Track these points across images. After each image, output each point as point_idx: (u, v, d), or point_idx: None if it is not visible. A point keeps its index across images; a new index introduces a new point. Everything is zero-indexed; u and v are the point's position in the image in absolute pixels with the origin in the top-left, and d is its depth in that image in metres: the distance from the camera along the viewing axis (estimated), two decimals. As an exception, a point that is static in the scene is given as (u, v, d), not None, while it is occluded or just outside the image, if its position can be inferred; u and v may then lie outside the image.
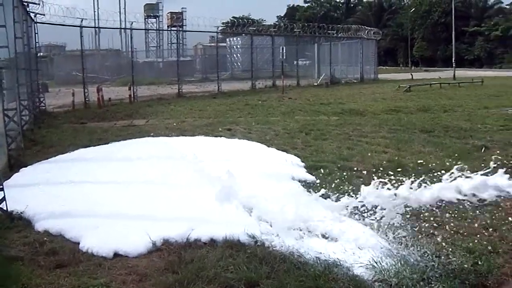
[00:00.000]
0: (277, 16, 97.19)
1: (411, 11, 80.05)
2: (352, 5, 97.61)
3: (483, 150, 8.88)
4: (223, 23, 41.32)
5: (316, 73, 32.40)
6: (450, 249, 4.44)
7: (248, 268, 4.10)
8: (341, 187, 6.18)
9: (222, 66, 30.33)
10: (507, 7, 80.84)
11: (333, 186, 6.17)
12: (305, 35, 32.94)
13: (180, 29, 43.13)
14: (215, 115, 15.01)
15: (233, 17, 55.66)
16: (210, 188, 6.09)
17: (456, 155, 8.30)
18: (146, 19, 49.09)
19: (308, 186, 6.58)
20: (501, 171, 5.35)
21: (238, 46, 33.30)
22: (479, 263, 4.18)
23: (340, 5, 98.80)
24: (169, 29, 47.04)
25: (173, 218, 5.32)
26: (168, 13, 49.28)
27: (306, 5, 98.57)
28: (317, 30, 32.77)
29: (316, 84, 30.10)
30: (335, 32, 33.86)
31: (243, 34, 30.96)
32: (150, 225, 5.04)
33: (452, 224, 5.03)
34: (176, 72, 24.77)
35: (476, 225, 5.06)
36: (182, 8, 48.89)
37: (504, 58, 72.91)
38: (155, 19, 53.29)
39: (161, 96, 22.55)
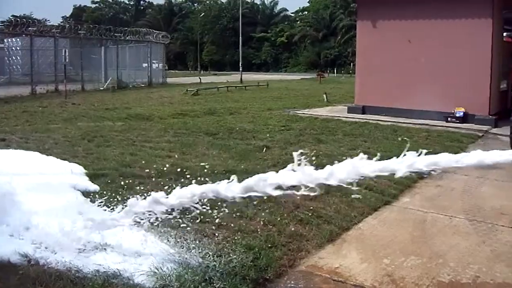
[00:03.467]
0: (63, 17, 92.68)
1: (201, 15, 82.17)
2: (141, 7, 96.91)
3: (264, 150, 9.35)
4: (1, 22, 38.05)
5: (103, 77, 31.37)
6: (231, 248, 4.56)
7: None
8: (123, 194, 6.08)
9: (-1, 69, 28.01)
10: (292, 15, 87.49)
11: (115, 194, 6.02)
12: (91, 38, 31.69)
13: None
14: (-12, 124, 13.60)
15: (13, 15, 51.65)
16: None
17: (239, 156, 8.74)
18: None
19: (90, 195, 6.35)
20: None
21: (18, 48, 30.80)
22: (259, 258, 4.36)
23: (130, 7, 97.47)
24: None
25: None
26: None
27: (94, 6, 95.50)
28: (104, 33, 31.85)
29: (102, 88, 29.08)
30: (122, 35, 33.21)
31: (23, 35, 28.77)
32: None
33: (233, 223, 5.16)
34: None
35: (255, 222, 5.28)
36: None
37: (289, 62, 78.62)
38: None
39: None
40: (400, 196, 6.73)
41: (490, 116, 14.28)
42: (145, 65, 35.77)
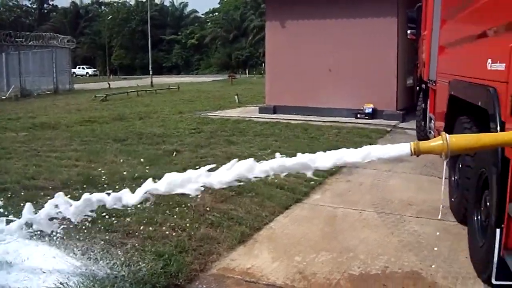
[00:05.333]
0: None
1: (109, 18, 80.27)
2: (45, 11, 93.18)
3: (174, 154, 9.21)
4: None
5: (5, 85, 29.79)
6: (140, 256, 4.43)
7: None
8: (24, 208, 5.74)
9: None
10: (203, 16, 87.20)
11: (17, 208, 5.67)
12: (-10, 43, 30.10)
13: None
14: None
15: None
16: None
17: (148, 161, 8.53)
18: None
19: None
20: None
21: None
22: (169, 264, 4.25)
23: (33, 10, 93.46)
24: None
25: None
26: None
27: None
28: (5, 38, 30.26)
29: (4, 97, 27.66)
30: (24, 40, 31.71)
31: None
32: None
33: (142, 230, 5.02)
34: None
35: (165, 227, 5.15)
36: None
37: (200, 64, 78.42)
38: None
39: None
40: (311, 193, 6.79)
41: (398, 111, 14.86)
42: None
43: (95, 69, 73.44)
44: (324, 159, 3.41)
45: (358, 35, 14.86)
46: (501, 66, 3.75)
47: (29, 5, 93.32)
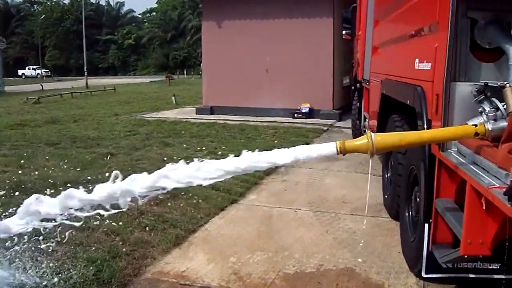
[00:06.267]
0: None
1: (41, 18, 77.70)
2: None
3: (108, 158, 9.00)
4: None
5: None
6: (72, 263, 4.30)
7: None
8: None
9: None
10: (140, 16, 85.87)
11: None
12: None
13: None
14: None
15: None
16: None
17: (82, 165, 8.30)
18: None
19: None
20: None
21: None
22: (102, 270, 4.15)
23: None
24: None
25: None
26: None
27: None
28: None
29: None
30: None
31: None
32: None
33: (74, 237, 4.81)
34: None
35: (98, 233, 5.01)
36: None
37: (137, 65, 77.25)
38: None
39: None
40: (247, 194, 6.78)
41: (334, 111, 15.11)
42: None
43: (46, 70, 69.10)
44: (254, 161, 3.37)
45: (295, 36, 15.01)
46: (427, 66, 3.85)
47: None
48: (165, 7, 79.41)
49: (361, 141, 3.13)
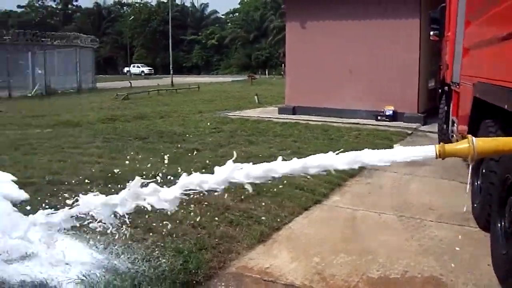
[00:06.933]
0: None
1: (131, 19, 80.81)
2: (69, 12, 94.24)
3: (194, 153, 9.25)
4: None
5: (31, 83, 30.38)
6: (160, 252, 4.47)
7: None
8: (53, 202, 5.85)
9: None
10: (223, 17, 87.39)
11: (43, 202, 5.79)
12: (17, 43, 30.65)
13: None
14: None
15: None
16: None
17: (169, 159, 8.56)
18: None
19: (19, 204, 6.08)
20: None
21: None
22: (189, 261, 4.28)
23: (57, 11, 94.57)
24: None
25: None
26: None
27: (20, 10, 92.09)
28: (31, 38, 30.84)
29: (30, 95, 28.26)
30: (49, 40, 32.24)
31: None
32: None
33: (162, 227, 5.01)
34: None
35: (185, 225, 5.18)
36: None
37: (220, 65, 78.51)
38: None
39: None
40: (330, 195, 6.76)
41: (419, 114, 14.71)
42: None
43: (150, 68, 72.51)
44: (347, 160, 3.38)
45: (380, 36, 14.73)
46: (528, 68, 3.68)
47: (54, 6, 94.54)
48: (248, 8, 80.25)
49: (462, 145, 3.04)
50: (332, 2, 15.62)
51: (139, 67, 71.35)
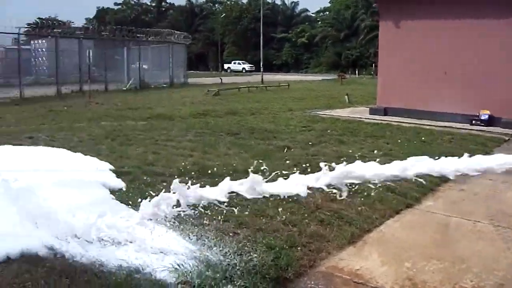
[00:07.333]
0: (86, 18, 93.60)
1: (222, 16, 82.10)
2: (163, 9, 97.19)
3: (285, 150, 9.33)
4: (28, 24, 38.69)
5: (126, 77, 31.73)
6: (252, 247, 4.58)
7: (47, 282, 3.82)
8: (147, 192, 6.13)
9: (26, 70, 28.27)
10: (313, 15, 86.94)
11: (139, 191, 6.11)
12: (114, 39, 32.10)
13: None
14: (16, 122, 13.79)
15: (39, 18, 52.39)
16: (7, 201, 5.60)
17: (260, 155, 8.72)
18: None
19: (116, 192, 6.44)
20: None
21: (44, 49, 31.39)
22: (279, 257, 4.36)
23: (152, 8, 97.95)
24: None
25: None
26: (-38, 11, 45.32)
27: (117, 7, 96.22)
28: (127, 34, 32.21)
29: (125, 88, 29.52)
30: (144, 36, 33.50)
31: (49, 37, 29.29)
32: None
33: (254, 222, 5.18)
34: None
35: (276, 221, 5.28)
36: (-20, 6, 45.21)
37: (309, 63, 78.11)
38: None
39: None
40: (422, 199, 6.65)
41: (518, 120, 14.01)
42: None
43: (251, 65, 72.40)
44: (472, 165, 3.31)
45: (477, 37, 14.15)
46: None
47: (148, 3, 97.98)
48: (338, 6, 79.24)
49: None
50: (428, 1, 15.19)
51: (240, 64, 71.91)
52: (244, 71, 67.39)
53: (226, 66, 73.32)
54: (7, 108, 18.05)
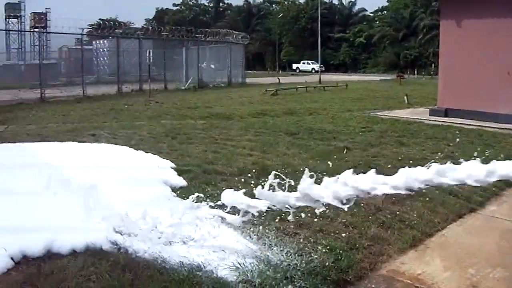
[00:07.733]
0: (146, 19, 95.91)
1: (279, 16, 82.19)
2: (221, 9, 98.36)
3: (345, 151, 9.30)
4: (89, 25, 39.99)
5: (184, 77, 32.30)
6: (312, 248, 4.61)
7: (111, 276, 3.98)
8: (207, 190, 6.26)
9: (88, 69, 29.35)
10: (371, 14, 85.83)
11: (199, 189, 6.20)
12: (173, 39, 32.77)
13: (44, 30, 41.02)
14: (80, 120, 14.38)
15: (100, 19, 54.02)
16: (72, 196, 5.79)
17: (319, 156, 8.72)
18: (7, 20, 46.71)
19: (178, 190, 6.59)
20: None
21: (105, 49, 32.46)
22: (340, 259, 4.37)
23: (209, 9, 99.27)
24: (32, 30, 44.39)
25: (32, 229, 4.89)
26: (31, 13, 47.11)
27: (175, 8, 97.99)
28: (185, 34, 32.77)
29: (184, 88, 30.06)
30: (203, 36, 33.98)
31: (110, 37, 30.22)
32: (7, 238, 4.60)
33: (314, 223, 5.20)
34: (39, 76, 23.68)
35: (337, 223, 5.28)
36: (46, 8, 46.85)
37: (367, 63, 77.20)
38: (16, 20, 50.90)
39: (23, 101, 21.17)
40: (486, 204, 6.48)
41: None
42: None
43: (321, 65, 71.30)
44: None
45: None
46: None
47: (207, 4, 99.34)
48: (397, 5, 77.85)
49: None
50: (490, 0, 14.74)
51: (309, 64, 71.29)
52: (313, 71, 66.11)
53: (294, 66, 72.79)
54: (70, 106, 18.83)
